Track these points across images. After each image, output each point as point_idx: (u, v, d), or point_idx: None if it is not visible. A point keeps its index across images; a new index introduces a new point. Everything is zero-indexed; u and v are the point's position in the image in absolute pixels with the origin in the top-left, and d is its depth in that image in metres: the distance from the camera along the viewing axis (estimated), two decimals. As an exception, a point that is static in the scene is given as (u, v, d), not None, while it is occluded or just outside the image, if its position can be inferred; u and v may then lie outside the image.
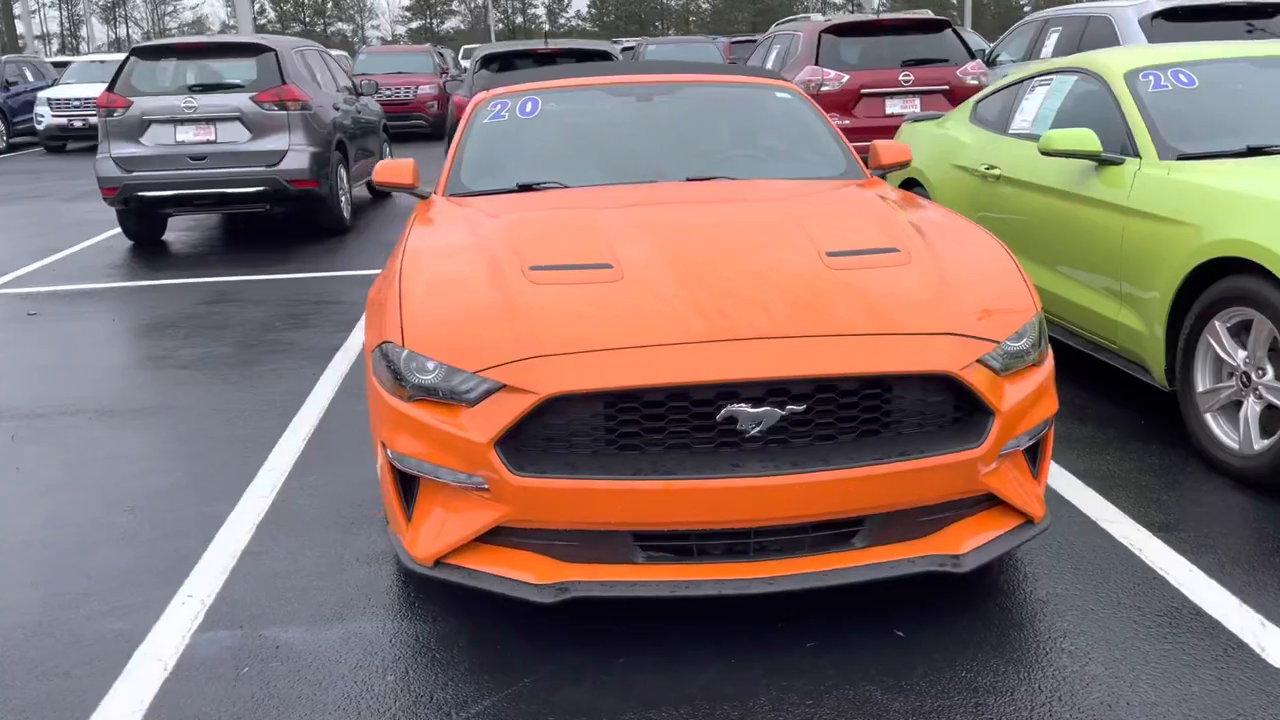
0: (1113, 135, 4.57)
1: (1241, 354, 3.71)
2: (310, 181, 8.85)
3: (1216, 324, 3.78)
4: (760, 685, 2.62)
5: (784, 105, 4.45)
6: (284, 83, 8.87)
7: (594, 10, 77.75)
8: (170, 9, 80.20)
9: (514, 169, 4.08)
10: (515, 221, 3.40)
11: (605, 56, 9.27)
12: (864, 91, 8.99)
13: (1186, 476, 3.79)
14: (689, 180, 3.91)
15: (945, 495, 2.69)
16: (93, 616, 3.07)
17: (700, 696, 2.59)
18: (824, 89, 8.99)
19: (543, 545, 2.69)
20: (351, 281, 7.62)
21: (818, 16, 10.42)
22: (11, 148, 20.36)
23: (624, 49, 20.79)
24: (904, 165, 4.37)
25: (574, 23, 78.92)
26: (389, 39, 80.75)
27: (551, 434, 2.61)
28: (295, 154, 8.79)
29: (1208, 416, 3.87)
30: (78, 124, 18.48)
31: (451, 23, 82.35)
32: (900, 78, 8.94)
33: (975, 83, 9.16)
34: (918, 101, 8.96)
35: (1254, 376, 3.66)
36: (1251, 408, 3.68)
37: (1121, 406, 4.51)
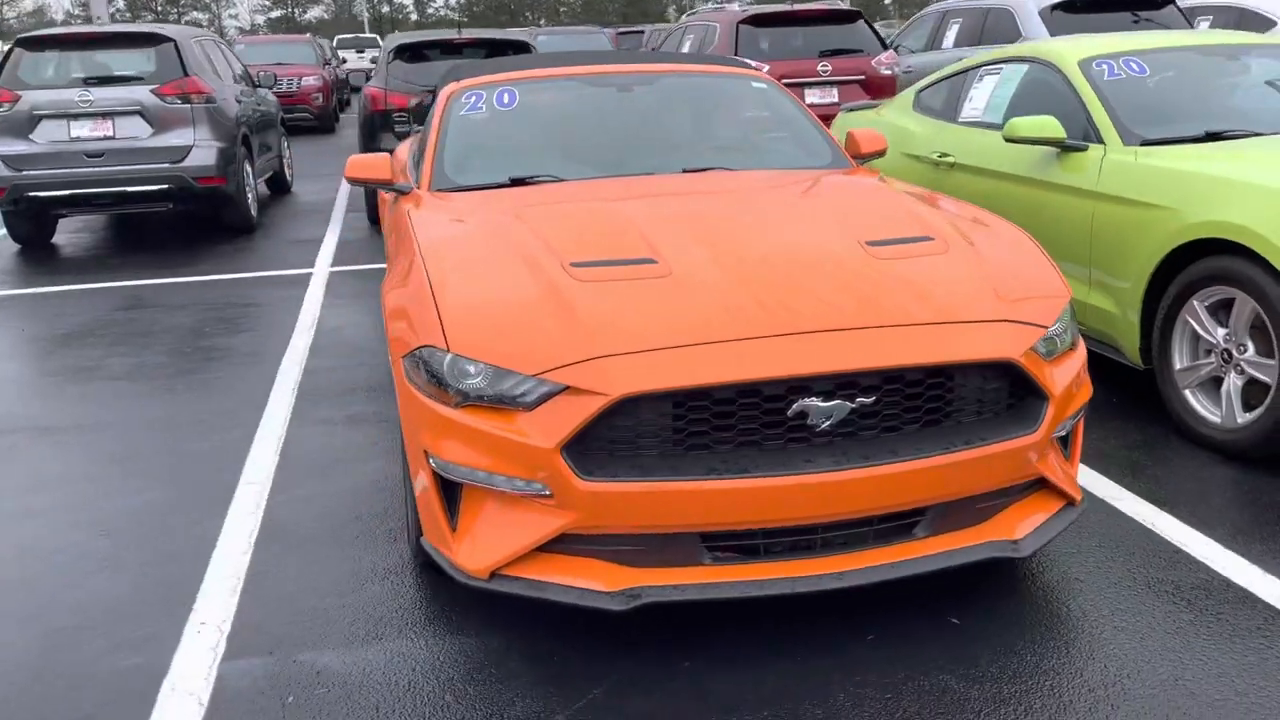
0: (1070, 123, 4.70)
1: (1221, 331, 3.85)
2: (217, 178, 8.44)
3: (1195, 303, 3.91)
4: (834, 682, 2.60)
5: (762, 95, 4.43)
6: (186, 74, 8.44)
7: (463, 0, 76.60)
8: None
9: (501, 163, 3.95)
10: (533, 216, 3.28)
11: (523, 47, 9.10)
12: (784, 81, 9.06)
13: (1173, 451, 3.93)
14: (685, 172, 3.85)
15: (1003, 481, 2.71)
16: (101, 653, 2.85)
17: (778, 697, 2.54)
18: (742, 79, 9.00)
19: (607, 551, 2.60)
20: (272, 283, 7.31)
21: (733, 6, 10.42)
22: None
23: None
24: (881, 154, 4.40)
25: (443, 12, 77.65)
26: (247, 29, 77.94)
27: (617, 436, 2.53)
28: (201, 150, 8.38)
29: (1187, 393, 4.02)
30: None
31: (314, 12, 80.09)
32: (818, 68, 9.04)
33: (889, 73, 9.34)
34: (835, 91, 9.08)
35: (1235, 353, 3.81)
36: (1233, 383, 3.83)
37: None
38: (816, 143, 4.21)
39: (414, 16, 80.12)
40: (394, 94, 8.73)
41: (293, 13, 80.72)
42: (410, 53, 8.99)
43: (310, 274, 7.56)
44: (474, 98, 4.22)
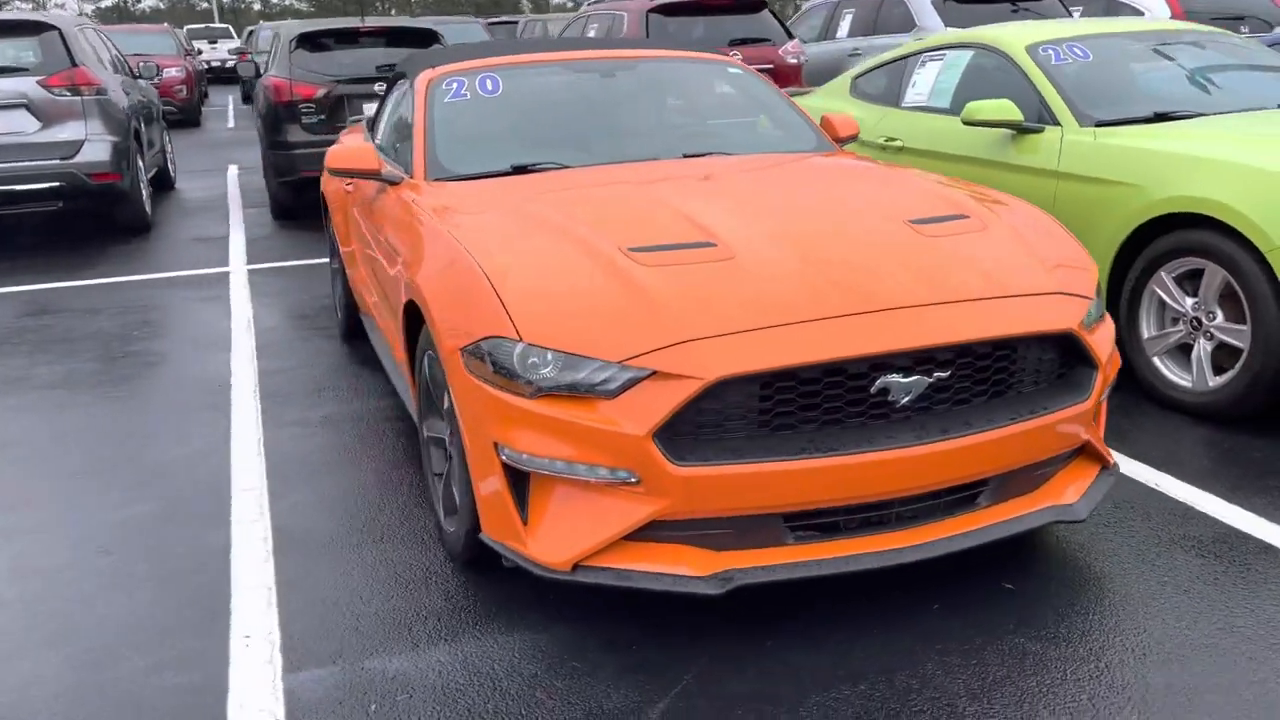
0: (1022, 106, 4.89)
1: (1190, 300, 4.08)
2: (112, 174, 7.98)
3: (1163, 274, 4.13)
4: (918, 651, 2.65)
5: (740, 80, 4.46)
6: (74, 64, 7.94)
7: (308, -10, 74.21)
8: None
9: (497, 150, 3.86)
10: (562, 202, 3.22)
11: (432, 36, 8.89)
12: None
13: (1148, 415, 4.14)
14: (686, 157, 3.85)
15: (1058, 449, 2.81)
16: (142, 672, 2.68)
17: (870, 670, 2.58)
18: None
19: (691, 536, 2.59)
20: (188, 284, 6.97)
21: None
22: None
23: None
24: (855, 138, 4.48)
25: (288, 2, 75.08)
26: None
27: (705, 420, 2.52)
28: (94, 144, 7.89)
29: (1155, 360, 4.24)
30: None
31: (148, 1, 76.35)
32: (730, 56, 9.12)
33: (795, 61, 9.50)
34: (745, 79, 9.17)
35: (1205, 320, 4.04)
36: (1203, 348, 4.06)
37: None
38: (799, 126, 4.27)
39: (256, 6, 77.23)
40: (299, 85, 8.41)
41: (124, 2, 76.71)
42: (313, 42, 8.68)
43: (227, 273, 7.24)
44: (456, 84, 4.11)
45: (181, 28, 31.03)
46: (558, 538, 2.61)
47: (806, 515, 2.60)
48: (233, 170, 12.43)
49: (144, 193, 8.68)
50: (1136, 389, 4.35)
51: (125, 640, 2.83)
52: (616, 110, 4.16)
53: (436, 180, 3.71)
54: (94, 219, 9.03)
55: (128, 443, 4.22)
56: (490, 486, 2.71)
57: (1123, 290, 4.31)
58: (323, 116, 8.46)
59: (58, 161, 7.79)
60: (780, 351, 2.49)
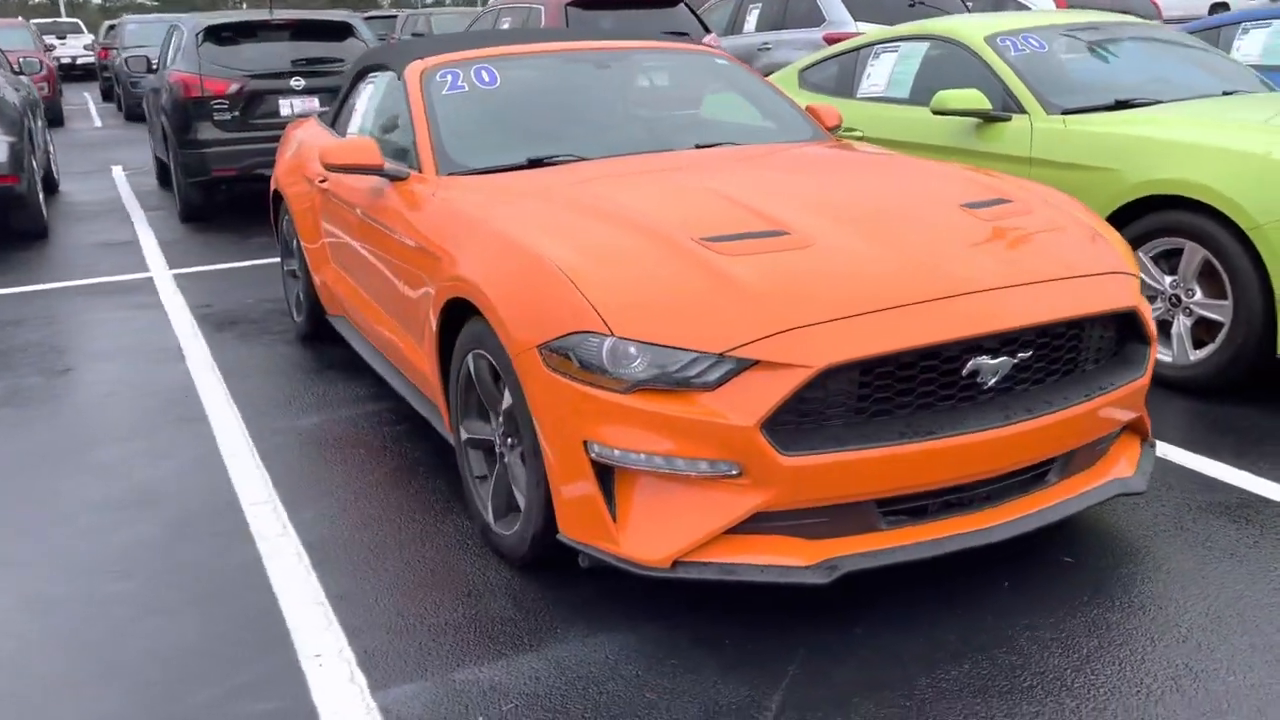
0: (985, 95, 5.03)
1: (1168, 279, 4.27)
2: (10, 177, 7.48)
3: (1141, 255, 4.31)
4: (1006, 628, 2.70)
5: (730, 71, 4.45)
6: (-36, 60, 7.40)
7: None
8: None
9: (507, 143, 3.76)
10: (609, 192, 3.16)
11: (346, 29, 8.61)
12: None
13: (1134, 391, 4.31)
14: (699, 148, 3.82)
15: (1118, 424, 2.91)
16: (219, 700, 2.51)
17: (968, 650, 2.61)
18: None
19: (789, 526, 2.57)
20: (108, 291, 6.59)
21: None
22: None
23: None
24: (839, 128, 4.53)
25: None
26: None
27: (806, 408, 2.51)
28: (-11, 145, 7.39)
29: (1135, 337, 4.42)
30: None
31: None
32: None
33: (713, 53, 9.54)
34: (666, 72, 9.18)
35: (1183, 297, 4.23)
36: (1183, 324, 4.25)
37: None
38: (793, 116, 4.29)
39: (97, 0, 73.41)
40: (211, 80, 8.04)
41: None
42: (221, 35, 8.30)
43: (150, 278, 6.87)
44: (451, 76, 3.98)
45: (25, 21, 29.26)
46: (654, 535, 2.56)
47: (898, 500, 2.62)
48: (118, 171, 11.80)
49: (40, 196, 8.16)
50: (1116, 366, 4.53)
51: (185, 669, 2.65)
52: (618, 102, 4.10)
53: (450, 175, 3.59)
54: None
55: (105, 460, 3.96)
56: (576, 485, 2.64)
57: (1101, 271, 4.48)
58: (236, 113, 8.11)
59: (-51, 164, 7.25)
60: (883, 337, 2.49)
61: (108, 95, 22.17)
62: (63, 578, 3.12)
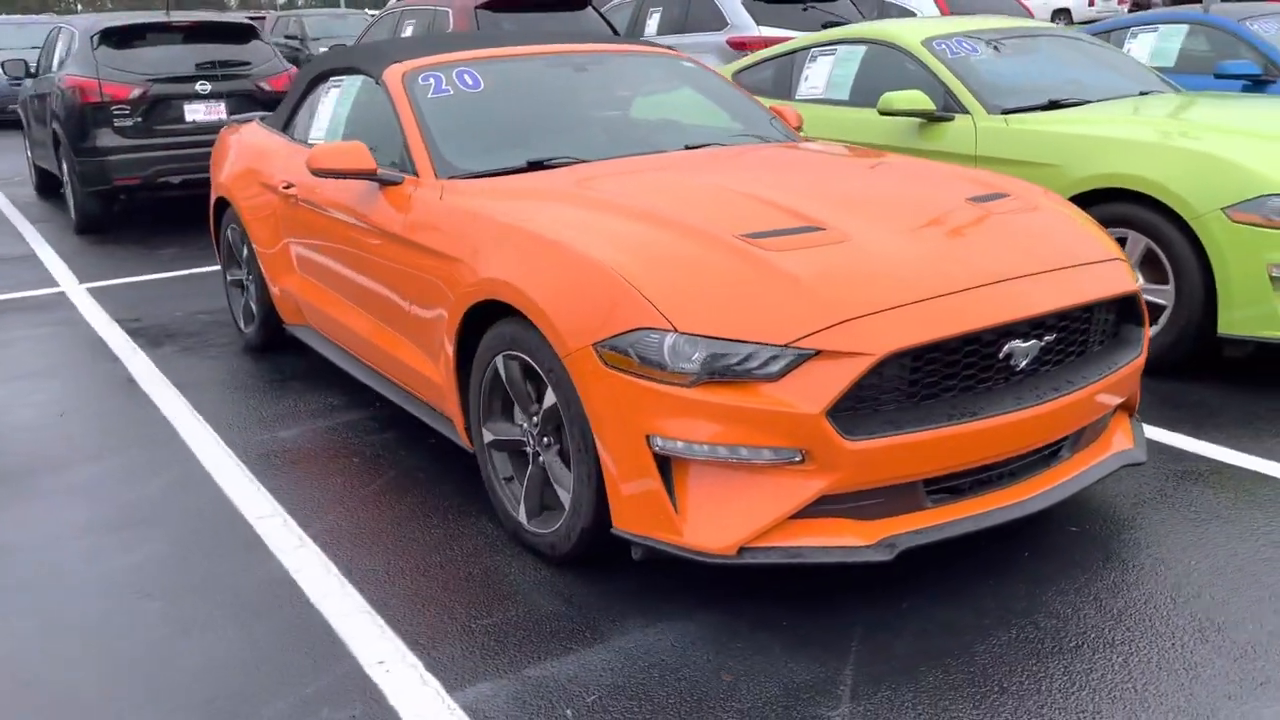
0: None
1: (1112, 267, 4.56)
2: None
3: (1086, 246, 4.60)
4: (1040, 595, 2.87)
5: (699, 74, 4.54)
6: None
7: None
8: None
9: (501, 146, 3.76)
10: (629, 192, 3.21)
11: (250, 31, 8.37)
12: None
13: (1085, 373, 4.59)
14: (688, 149, 3.90)
15: (1121, 399, 3.12)
16: (295, 712, 2.47)
17: (1011, 617, 2.77)
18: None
19: (848, 508, 2.68)
20: (15, 308, 6.27)
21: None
22: None
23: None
24: (800, 129, 4.68)
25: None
26: None
27: (864, 394, 2.62)
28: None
29: (1081, 322, 4.71)
30: None
31: None
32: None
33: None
34: (577, 75, 9.22)
35: (1127, 284, 4.53)
36: (1127, 309, 4.55)
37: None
38: (763, 117, 4.41)
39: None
40: (110, 84, 7.71)
41: None
42: (119, 38, 7.97)
43: (62, 293, 6.56)
44: (435, 79, 3.96)
45: None
46: (718, 523, 2.64)
47: (944, 479, 2.76)
48: (-11, 182, 11.17)
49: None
50: (1064, 350, 4.81)
51: (246, 683, 2.59)
52: (602, 104, 4.15)
53: (450, 179, 3.58)
54: None
55: (80, 482, 3.79)
56: (636, 478, 2.69)
57: (1047, 261, 4.75)
58: (139, 119, 7.81)
59: None
60: (935, 324, 2.63)
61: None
62: (79, 599, 3.00)
